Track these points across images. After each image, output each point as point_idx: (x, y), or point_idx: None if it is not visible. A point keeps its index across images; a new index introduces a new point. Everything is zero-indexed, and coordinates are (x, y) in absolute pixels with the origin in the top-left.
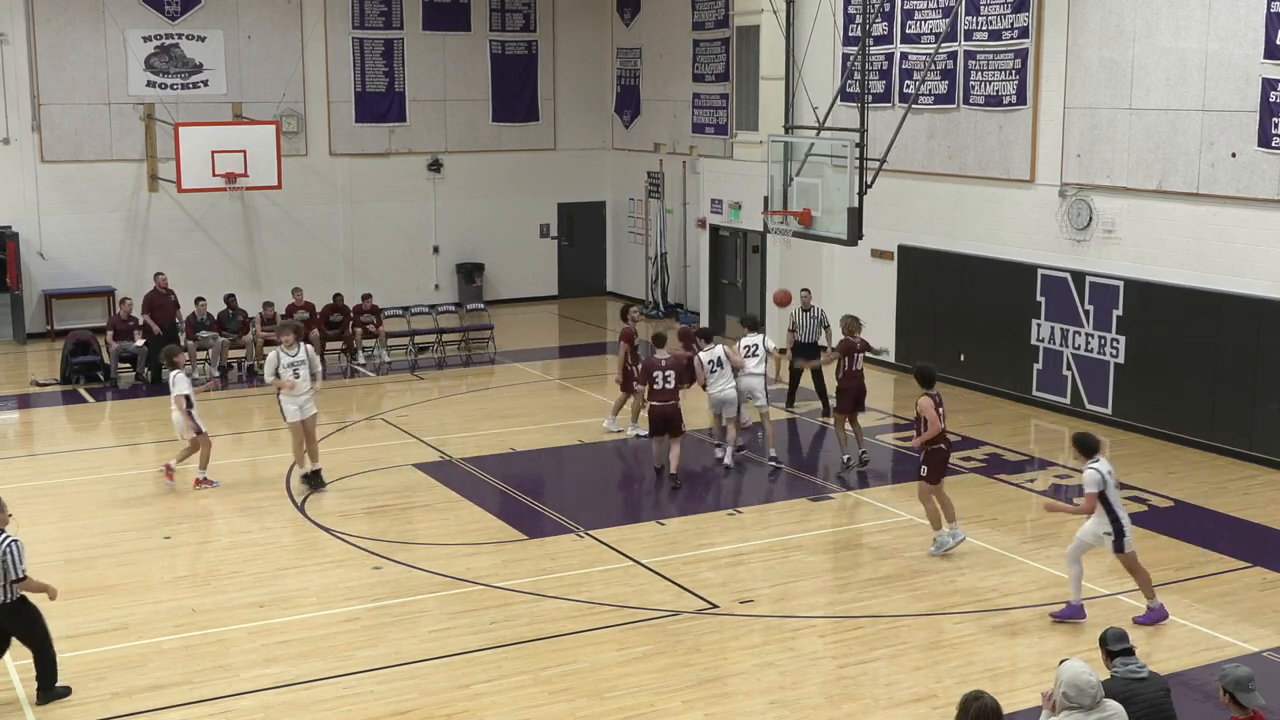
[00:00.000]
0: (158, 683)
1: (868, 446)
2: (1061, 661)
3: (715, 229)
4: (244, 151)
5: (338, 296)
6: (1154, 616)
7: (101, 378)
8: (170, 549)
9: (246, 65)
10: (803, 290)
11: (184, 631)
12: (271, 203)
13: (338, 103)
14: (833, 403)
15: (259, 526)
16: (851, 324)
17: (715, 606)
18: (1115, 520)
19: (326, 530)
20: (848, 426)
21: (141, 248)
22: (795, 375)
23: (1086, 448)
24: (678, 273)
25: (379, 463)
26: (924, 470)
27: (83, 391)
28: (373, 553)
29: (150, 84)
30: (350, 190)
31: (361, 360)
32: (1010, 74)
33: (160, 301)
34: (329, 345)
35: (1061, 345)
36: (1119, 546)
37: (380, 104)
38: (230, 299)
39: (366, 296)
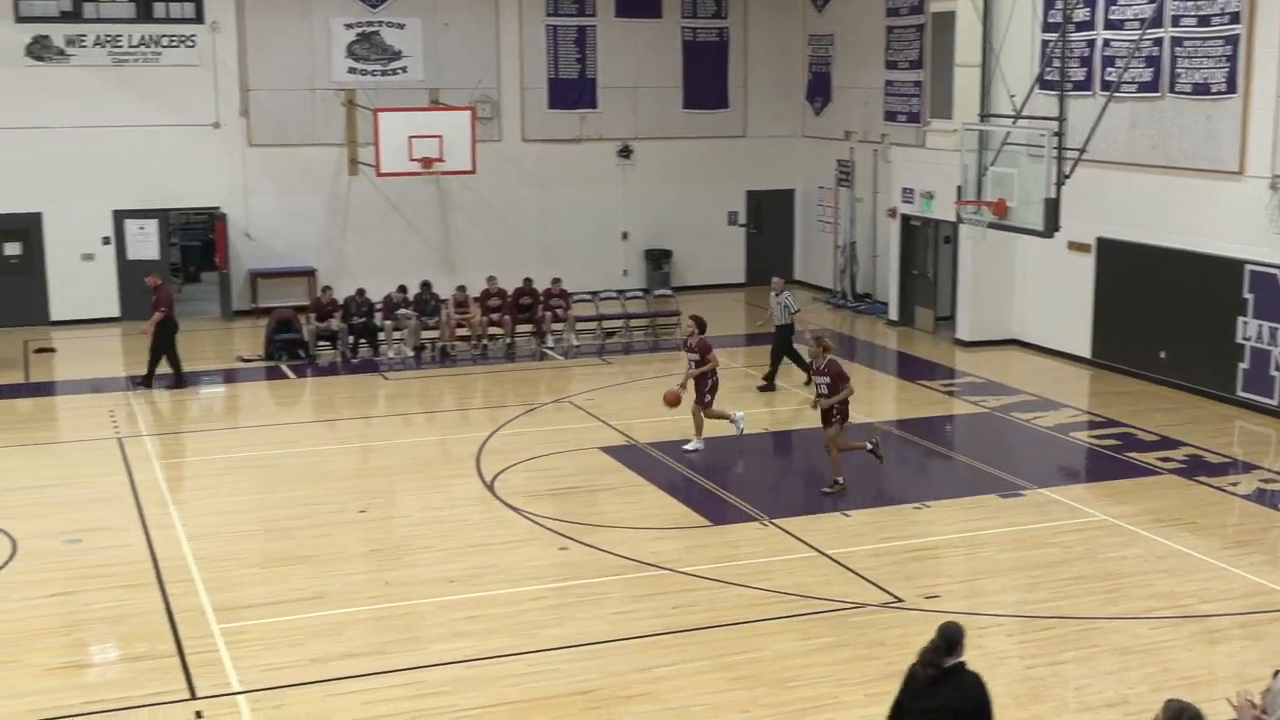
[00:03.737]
0: (351, 651)
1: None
2: (1277, 673)
3: (906, 218)
4: (440, 137)
5: (528, 280)
6: None
7: (302, 355)
8: (365, 522)
9: (443, 52)
10: (775, 278)
11: (377, 603)
12: (466, 187)
13: (531, 89)
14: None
15: (450, 503)
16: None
17: (900, 601)
18: None
19: (515, 509)
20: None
21: (342, 230)
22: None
23: None
24: (867, 262)
25: (566, 445)
26: None
27: (284, 368)
28: (559, 533)
29: (351, 70)
30: (541, 176)
31: (550, 344)
32: (1219, 61)
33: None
34: (519, 328)
35: (1270, 344)
36: None
37: (572, 91)
38: (426, 284)
39: (556, 281)
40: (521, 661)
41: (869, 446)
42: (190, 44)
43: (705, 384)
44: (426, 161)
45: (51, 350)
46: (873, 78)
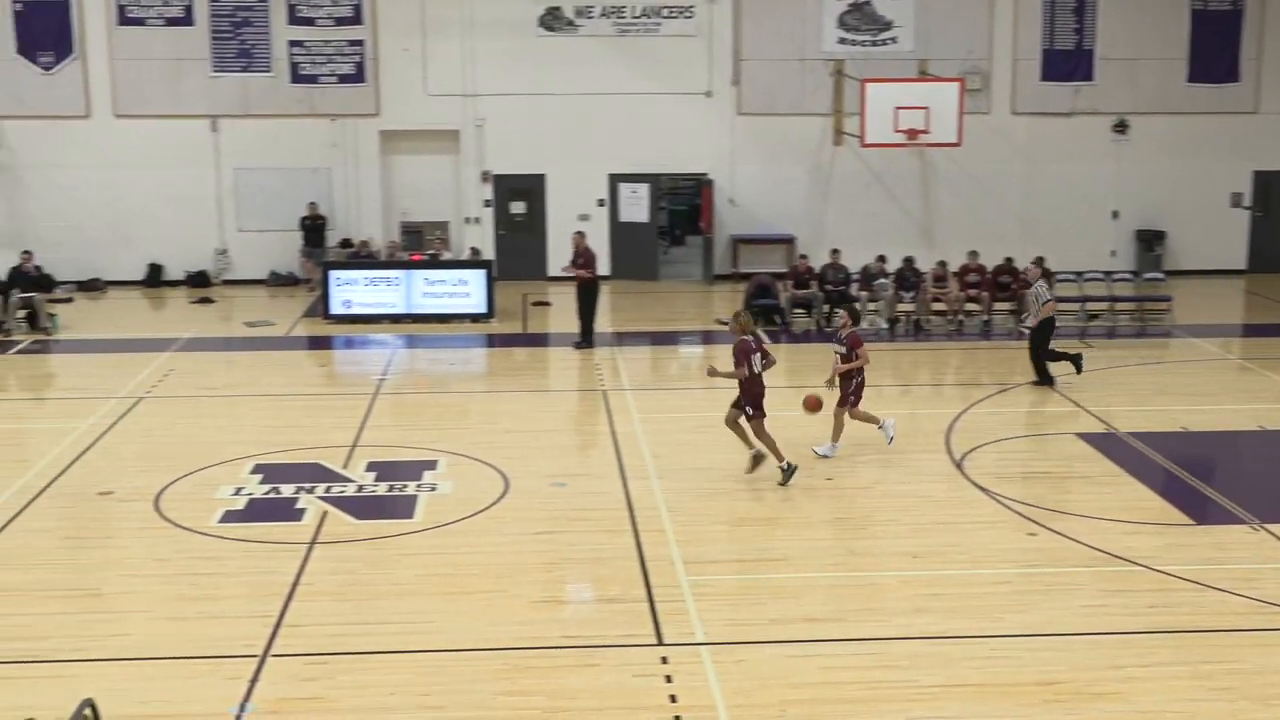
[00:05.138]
0: (812, 616)
1: None
2: None
3: None
4: (927, 108)
5: (1009, 260)
6: None
7: (778, 321)
8: (830, 490)
9: (934, 22)
10: (1029, 264)
11: (839, 571)
12: (950, 160)
13: (1024, 60)
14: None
15: (916, 478)
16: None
17: None
18: None
19: (982, 489)
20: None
21: (823, 199)
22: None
23: None
24: None
25: (1040, 428)
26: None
27: (760, 333)
28: (1027, 518)
29: (842, 41)
30: (1029, 150)
31: (1029, 323)
32: None
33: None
34: (996, 306)
35: None
36: None
37: (1067, 62)
38: (909, 260)
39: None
40: (983, 644)
41: (751, 462)
42: (688, 15)
43: (849, 384)
44: (912, 133)
45: (547, 304)
46: None
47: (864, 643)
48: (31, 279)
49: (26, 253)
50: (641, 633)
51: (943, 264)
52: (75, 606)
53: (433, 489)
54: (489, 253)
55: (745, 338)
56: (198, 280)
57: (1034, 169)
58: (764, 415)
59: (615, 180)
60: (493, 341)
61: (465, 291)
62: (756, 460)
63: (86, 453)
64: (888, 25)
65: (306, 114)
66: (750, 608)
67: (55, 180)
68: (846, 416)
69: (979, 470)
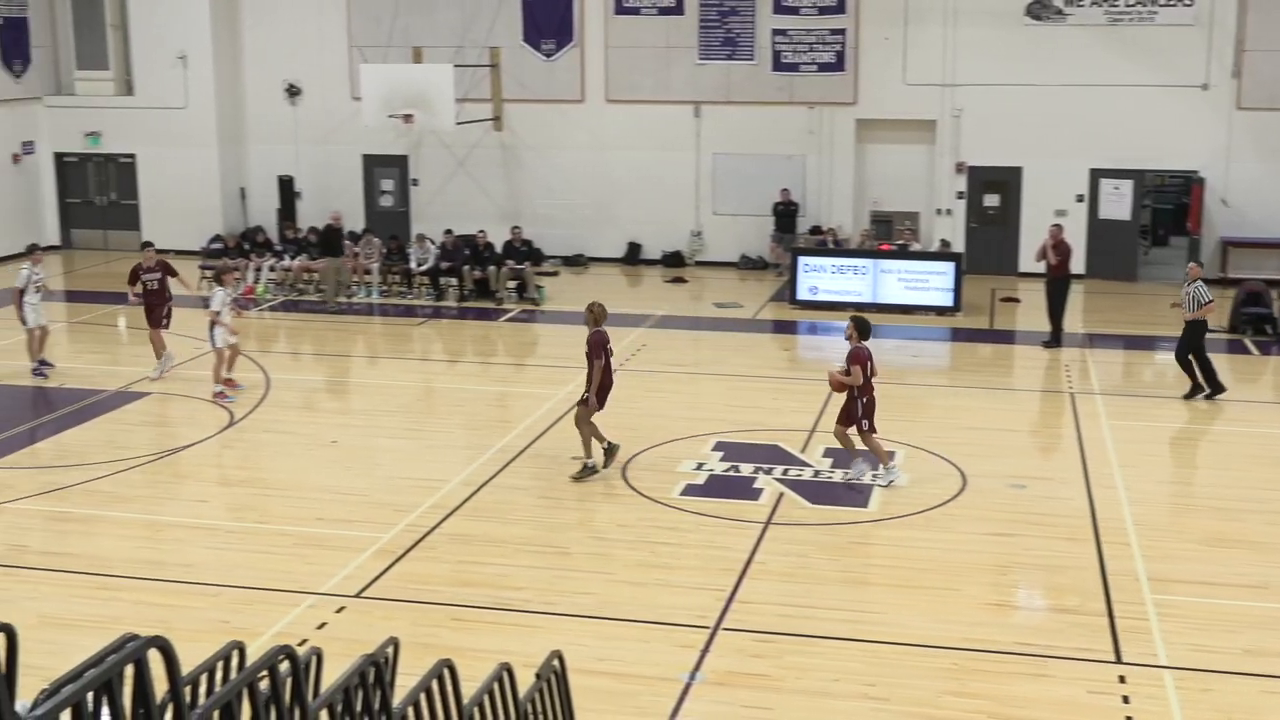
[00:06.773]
0: None
1: None
2: None
3: None
4: None
5: None
6: None
7: (1269, 331)
8: None
9: None
10: (1191, 264)
11: None
12: None
13: None
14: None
15: None
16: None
17: None
18: None
19: None
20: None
21: None
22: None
23: None
24: None
25: None
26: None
27: (1248, 343)
28: None
29: None
30: None
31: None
32: None
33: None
34: None
35: None
36: None
37: None
38: None
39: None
40: None
41: (605, 445)
42: (1187, 3)
43: (855, 404)
44: None
45: (1016, 300)
46: None
47: None
48: (520, 252)
49: (516, 227)
50: (1099, 648)
51: None
52: (545, 562)
53: (889, 480)
54: (959, 245)
55: (600, 330)
56: (672, 260)
57: None
58: (600, 409)
59: (1096, 175)
60: (957, 336)
61: (932, 284)
62: (610, 452)
63: (562, 419)
64: None
65: (785, 101)
66: (1221, 635)
67: (550, 161)
68: (864, 440)
69: None
